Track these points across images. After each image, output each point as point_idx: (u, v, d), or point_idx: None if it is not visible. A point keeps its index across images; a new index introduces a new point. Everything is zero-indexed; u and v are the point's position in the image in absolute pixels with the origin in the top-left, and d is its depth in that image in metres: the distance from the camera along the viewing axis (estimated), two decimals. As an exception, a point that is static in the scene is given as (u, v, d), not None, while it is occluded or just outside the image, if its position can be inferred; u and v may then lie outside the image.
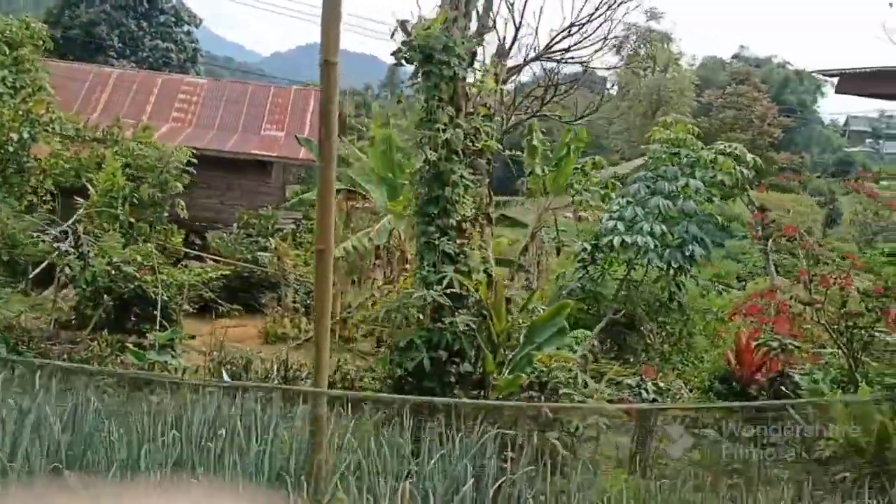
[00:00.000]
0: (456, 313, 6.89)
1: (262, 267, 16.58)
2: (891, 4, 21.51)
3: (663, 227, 9.52)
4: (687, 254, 9.74)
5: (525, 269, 12.50)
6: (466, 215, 7.04)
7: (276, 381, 10.49)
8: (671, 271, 10.02)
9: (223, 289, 15.27)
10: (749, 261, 27.13)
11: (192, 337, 11.66)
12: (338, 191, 18.90)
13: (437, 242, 6.87)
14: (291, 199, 22.26)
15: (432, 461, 5.02)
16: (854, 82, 10.55)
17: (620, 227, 9.57)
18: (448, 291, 6.81)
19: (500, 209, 16.47)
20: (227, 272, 15.30)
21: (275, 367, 10.43)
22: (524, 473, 5.33)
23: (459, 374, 6.87)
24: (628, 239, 9.37)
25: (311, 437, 4.39)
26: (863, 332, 14.59)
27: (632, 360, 11.50)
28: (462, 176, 6.90)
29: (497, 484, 5.00)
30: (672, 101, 37.06)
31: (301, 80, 31.59)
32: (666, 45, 39.62)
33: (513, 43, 10.25)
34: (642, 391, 10.79)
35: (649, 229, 9.39)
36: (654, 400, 10.78)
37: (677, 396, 11.37)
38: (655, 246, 9.40)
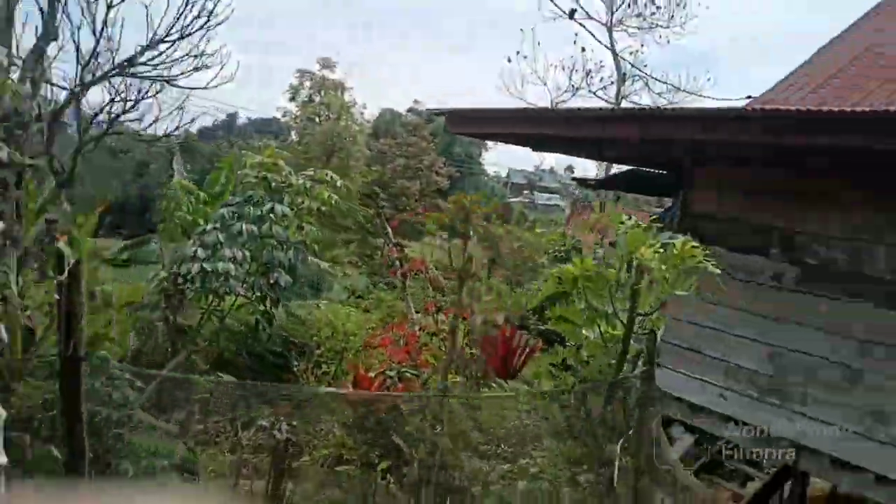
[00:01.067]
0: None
1: None
2: (509, 59, 23.79)
3: (246, 252, 9.13)
4: (272, 281, 9.43)
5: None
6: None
7: None
8: (265, 300, 9.64)
9: None
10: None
11: None
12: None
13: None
14: None
15: None
16: (457, 122, 11.03)
17: (201, 253, 8.98)
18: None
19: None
20: None
21: None
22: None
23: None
24: (208, 266, 8.81)
25: None
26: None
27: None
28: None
29: None
30: (346, 147, 37.97)
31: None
32: (340, 94, 40.73)
33: (93, 55, 9.29)
34: (275, 432, 10.38)
35: (231, 255, 8.92)
36: (289, 440, 10.36)
37: (323, 431, 11.04)
38: (237, 273, 8.95)
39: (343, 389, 11.48)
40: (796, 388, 7.08)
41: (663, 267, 3.94)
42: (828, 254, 7.05)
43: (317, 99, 40.24)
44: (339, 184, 9.97)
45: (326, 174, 10.01)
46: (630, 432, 4.28)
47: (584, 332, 4.72)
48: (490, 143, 49.90)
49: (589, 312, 4.43)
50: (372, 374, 11.08)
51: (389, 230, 17.08)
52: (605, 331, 4.47)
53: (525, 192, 61.55)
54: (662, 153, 8.98)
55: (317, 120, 39.45)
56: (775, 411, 7.25)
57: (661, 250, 3.95)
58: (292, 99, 41.72)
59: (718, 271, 4.22)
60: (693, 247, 3.99)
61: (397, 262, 16.62)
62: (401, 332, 14.73)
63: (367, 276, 37.63)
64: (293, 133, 44.37)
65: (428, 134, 41.88)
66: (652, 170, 11.50)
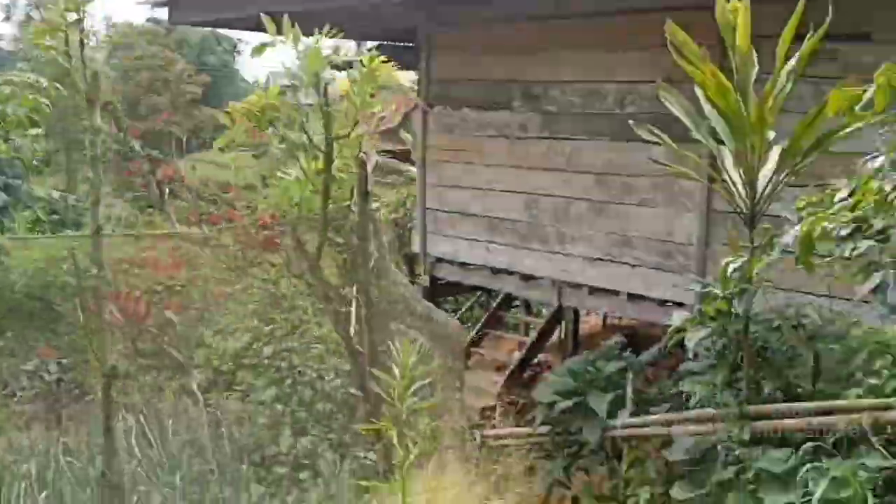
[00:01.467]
0: None
1: None
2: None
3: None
4: (-11, 203, 8.35)
5: None
6: None
7: None
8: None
9: None
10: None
11: None
12: None
13: None
14: None
15: None
16: (178, 9, 9.98)
17: None
18: None
19: None
20: None
21: None
22: None
23: None
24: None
25: None
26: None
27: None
28: None
29: None
30: (80, 68, 34.18)
31: None
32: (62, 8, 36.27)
33: None
34: (44, 374, 9.78)
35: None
36: (60, 380, 9.81)
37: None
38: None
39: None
40: (552, 229, 7.48)
41: (353, 86, 3.81)
42: (563, 98, 7.35)
43: (36, 16, 35.61)
44: (44, 85, 8.73)
45: (27, 76, 8.72)
46: (358, 269, 4.24)
47: (284, 171, 4.56)
48: (245, 51, 47.14)
49: (285, 146, 4.25)
50: (138, 293, 10.40)
51: (135, 143, 15.79)
52: (308, 166, 4.32)
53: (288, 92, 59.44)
54: (396, 21, 8.75)
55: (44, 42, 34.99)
56: (537, 255, 7.65)
57: (352, 70, 3.82)
58: (7, 19, 36.61)
59: (412, 85, 4.18)
60: (383, 62, 3.88)
61: (150, 175, 15.45)
62: (165, 246, 13.92)
63: (132, 203, 35.05)
64: (22, 64, 39.15)
65: (172, 42, 38.68)
66: (398, 43, 11.35)
